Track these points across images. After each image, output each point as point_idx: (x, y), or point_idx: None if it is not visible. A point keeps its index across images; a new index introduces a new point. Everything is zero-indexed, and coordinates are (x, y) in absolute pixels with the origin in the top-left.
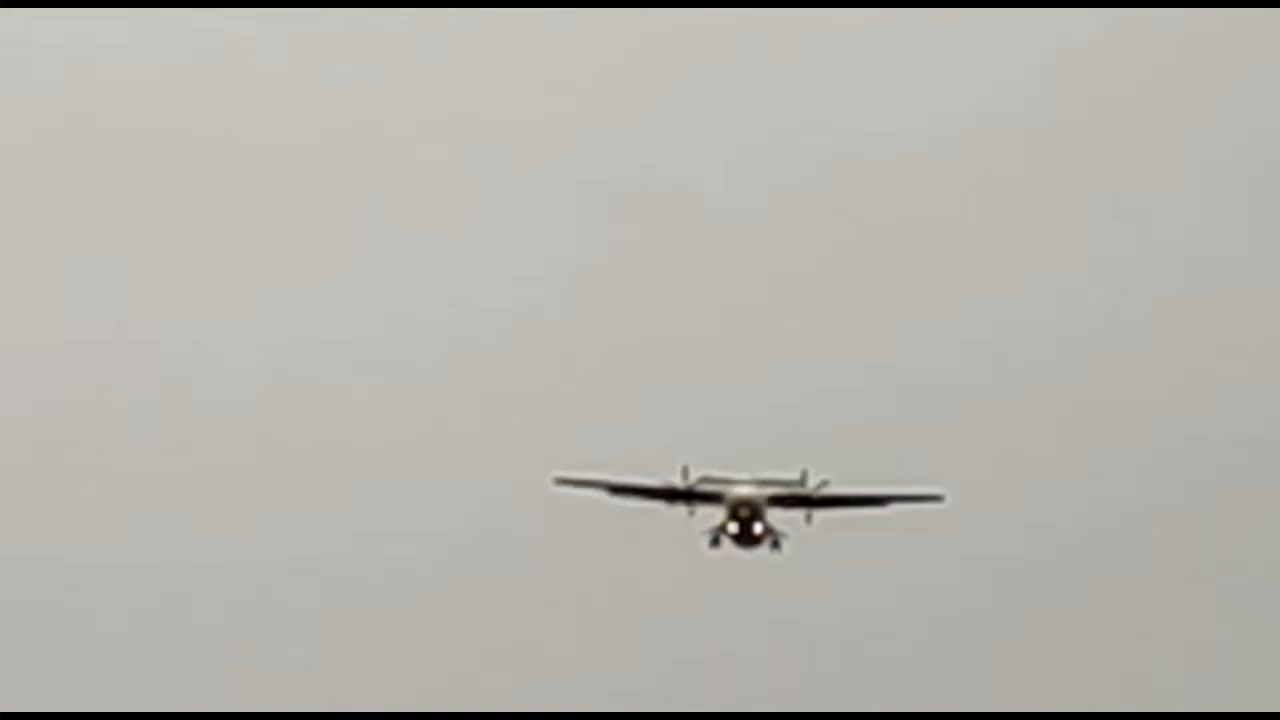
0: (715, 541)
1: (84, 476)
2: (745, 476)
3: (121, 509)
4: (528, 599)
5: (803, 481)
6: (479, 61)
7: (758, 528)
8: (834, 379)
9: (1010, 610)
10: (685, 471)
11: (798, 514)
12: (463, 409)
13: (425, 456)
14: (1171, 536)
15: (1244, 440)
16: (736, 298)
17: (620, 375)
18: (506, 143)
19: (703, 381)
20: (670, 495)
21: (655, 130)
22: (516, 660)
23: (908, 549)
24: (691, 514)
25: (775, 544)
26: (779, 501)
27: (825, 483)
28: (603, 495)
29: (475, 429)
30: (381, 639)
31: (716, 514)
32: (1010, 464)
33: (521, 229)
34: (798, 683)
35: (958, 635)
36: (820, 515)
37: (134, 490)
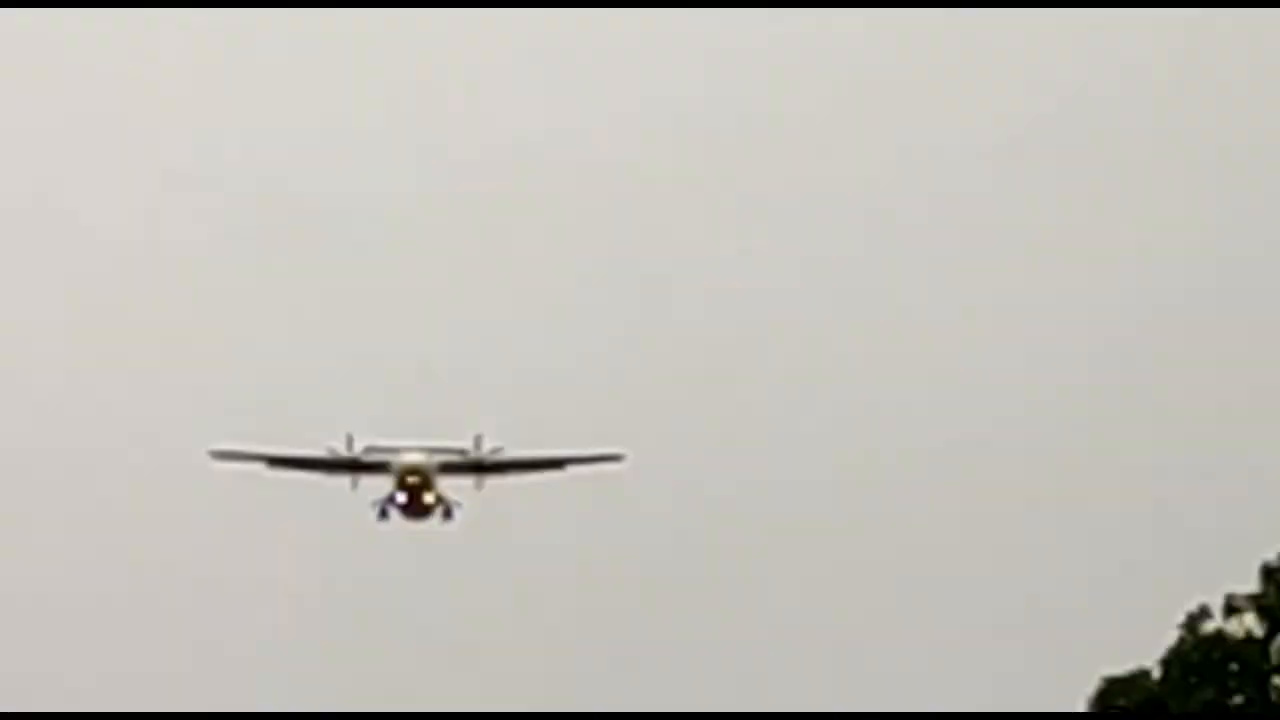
0: (383, 514)
1: None
2: (413, 444)
3: None
4: (183, 583)
5: (476, 446)
6: None
7: (428, 497)
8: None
9: (686, 571)
10: (349, 440)
11: (470, 482)
12: (119, 384)
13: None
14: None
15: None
16: (393, 267)
17: (277, 348)
18: None
19: (364, 351)
20: (333, 466)
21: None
22: (171, 650)
23: (586, 510)
24: (354, 486)
25: (448, 513)
26: (451, 469)
27: (499, 448)
28: (262, 469)
29: (130, 403)
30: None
31: (384, 485)
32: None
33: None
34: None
35: (646, 597)
36: (497, 481)
37: None
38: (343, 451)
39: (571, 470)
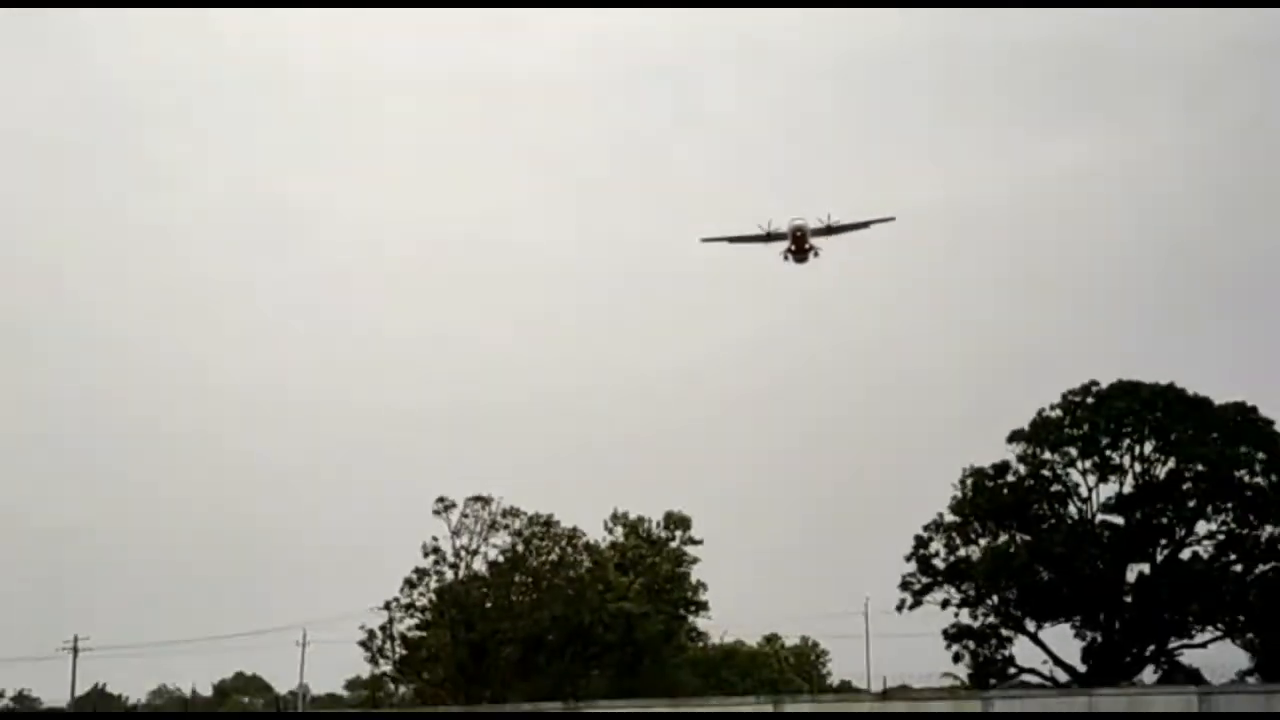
0: (785, 257)
1: None
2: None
3: None
4: None
5: (826, 220)
6: None
7: (807, 245)
8: None
9: None
10: (768, 225)
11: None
12: None
13: None
14: None
15: None
16: None
17: None
18: None
19: None
20: (762, 238)
21: None
22: None
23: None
24: (767, 240)
25: (815, 254)
26: (816, 232)
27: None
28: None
29: None
30: None
31: (781, 241)
32: None
33: None
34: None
35: None
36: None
37: None
38: (757, 230)
39: (874, 227)
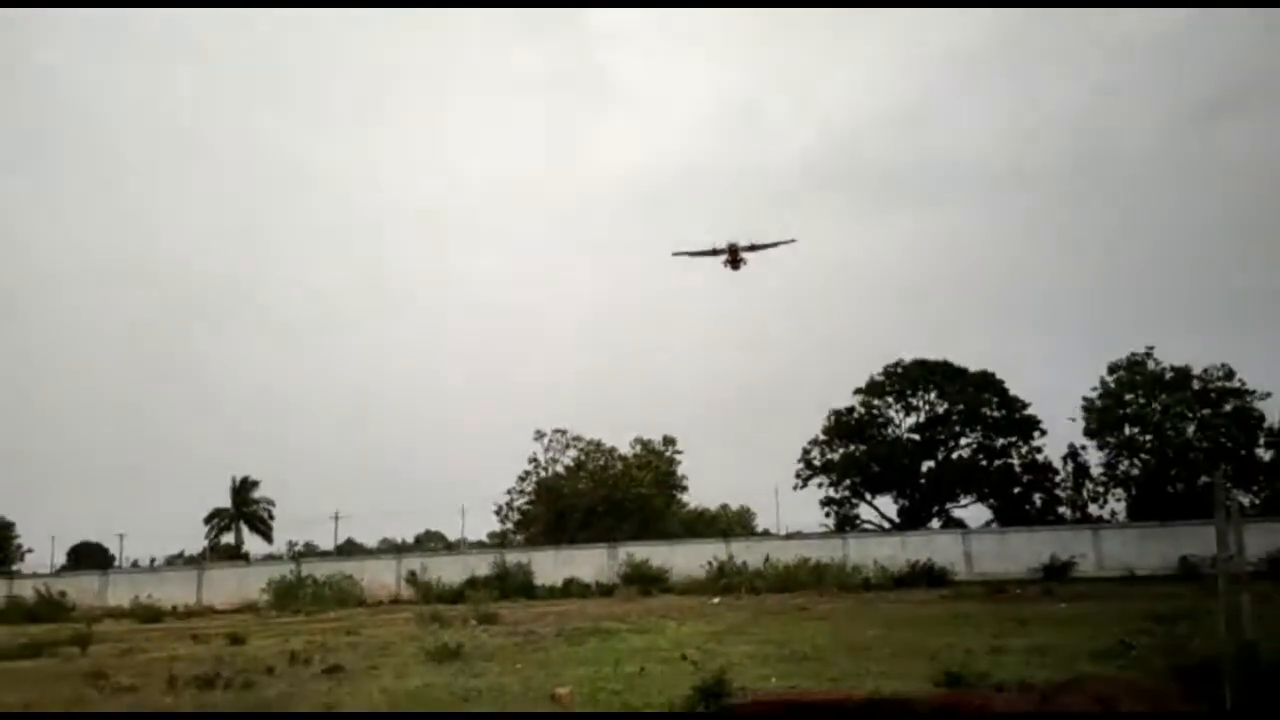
0: (725, 264)
1: None
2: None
3: None
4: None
5: (751, 240)
6: None
7: (739, 256)
8: None
9: None
10: (714, 244)
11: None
12: None
13: None
14: None
15: None
16: None
17: None
18: None
19: None
20: (706, 253)
21: None
22: None
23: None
24: (714, 254)
25: (744, 263)
26: (745, 249)
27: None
28: (687, 257)
29: None
30: None
31: (724, 255)
32: None
33: None
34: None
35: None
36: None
37: None
38: (707, 247)
39: (785, 245)
